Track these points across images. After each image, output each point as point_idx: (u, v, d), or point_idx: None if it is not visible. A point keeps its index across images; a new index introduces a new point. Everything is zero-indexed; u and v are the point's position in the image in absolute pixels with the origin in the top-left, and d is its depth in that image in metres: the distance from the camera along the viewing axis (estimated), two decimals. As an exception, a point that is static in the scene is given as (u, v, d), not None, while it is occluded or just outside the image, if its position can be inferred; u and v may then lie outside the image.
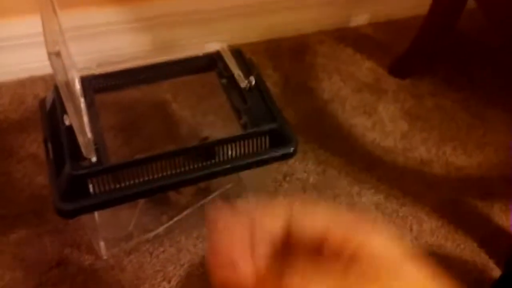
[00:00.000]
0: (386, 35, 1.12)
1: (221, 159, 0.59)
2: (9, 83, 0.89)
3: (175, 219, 0.74)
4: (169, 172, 0.58)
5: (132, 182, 0.57)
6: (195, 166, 0.59)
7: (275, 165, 0.84)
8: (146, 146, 0.82)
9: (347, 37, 1.10)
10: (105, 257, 0.71)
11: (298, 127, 0.91)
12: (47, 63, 0.40)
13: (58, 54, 0.39)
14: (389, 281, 0.24)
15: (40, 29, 0.41)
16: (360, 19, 1.13)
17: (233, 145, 0.58)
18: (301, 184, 0.83)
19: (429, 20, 0.96)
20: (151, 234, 0.73)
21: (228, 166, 0.59)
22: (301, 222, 0.26)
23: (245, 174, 0.78)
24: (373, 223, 0.25)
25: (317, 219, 0.26)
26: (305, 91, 0.98)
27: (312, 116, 0.94)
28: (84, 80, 0.62)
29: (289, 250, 0.26)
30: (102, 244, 0.72)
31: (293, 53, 1.05)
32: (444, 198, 0.83)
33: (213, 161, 0.59)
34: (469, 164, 0.88)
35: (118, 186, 0.56)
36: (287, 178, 0.83)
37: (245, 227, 0.26)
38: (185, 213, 0.75)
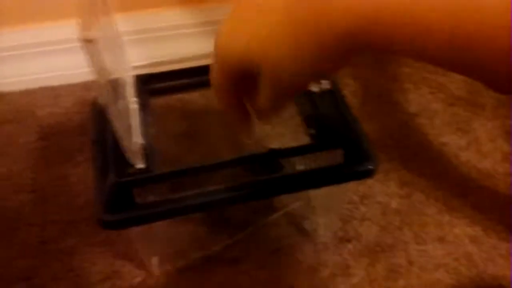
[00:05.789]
0: (485, 43, 0.99)
1: (286, 173, 0.51)
2: (74, 85, 0.87)
3: (235, 238, 0.67)
4: (225, 185, 0.50)
5: (183, 194, 0.50)
6: (257, 179, 0.51)
7: (351, 185, 0.74)
8: (210, 156, 0.76)
9: (439, 45, 0.98)
10: (156, 274, 0.65)
11: (379, 143, 0.81)
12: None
13: (90, 41, 0.33)
14: None
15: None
16: (454, 25, 1.01)
17: (299, 157, 0.49)
18: (381, 209, 0.72)
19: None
20: (208, 252, 0.66)
21: (292, 182, 0.50)
22: None
23: (315, 192, 0.69)
24: None
25: None
26: (388, 103, 0.87)
27: (395, 132, 0.83)
28: (140, 80, 0.56)
29: None
30: (154, 259, 0.66)
31: (374, 61, 0.95)
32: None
33: (277, 175, 0.51)
34: None
35: (167, 197, 0.49)
36: (365, 201, 0.73)
37: None
38: (245, 232, 0.67)
